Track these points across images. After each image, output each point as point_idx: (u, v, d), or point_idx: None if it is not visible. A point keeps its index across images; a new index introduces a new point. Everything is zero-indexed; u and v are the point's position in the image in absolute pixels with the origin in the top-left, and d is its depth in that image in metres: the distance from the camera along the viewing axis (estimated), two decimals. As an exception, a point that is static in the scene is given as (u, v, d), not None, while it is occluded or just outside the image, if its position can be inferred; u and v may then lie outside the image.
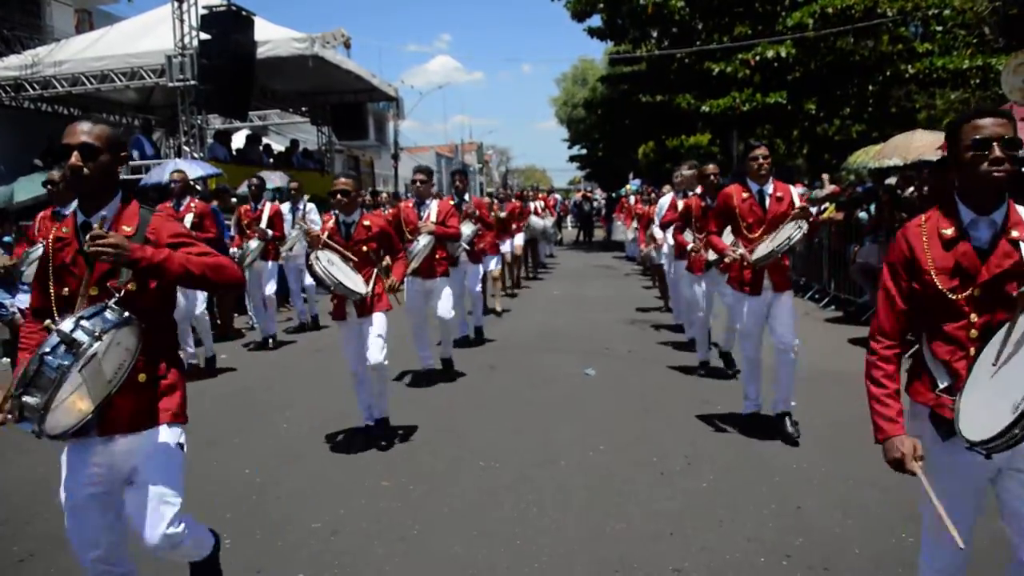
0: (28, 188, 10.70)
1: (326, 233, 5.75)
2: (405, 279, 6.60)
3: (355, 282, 5.50)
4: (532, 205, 17.01)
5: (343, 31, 14.93)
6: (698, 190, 7.77)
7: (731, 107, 20.46)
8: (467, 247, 8.81)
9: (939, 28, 19.65)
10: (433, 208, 7.43)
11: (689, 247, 7.51)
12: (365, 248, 5.68)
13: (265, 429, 6.36)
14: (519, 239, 14.47)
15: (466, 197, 9.19)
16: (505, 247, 13.08)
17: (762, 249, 5.39)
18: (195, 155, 13.70)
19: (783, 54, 19.81)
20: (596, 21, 23.82)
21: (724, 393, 6.97)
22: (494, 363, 8.55)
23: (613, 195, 32.55)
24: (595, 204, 34.72)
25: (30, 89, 14.46)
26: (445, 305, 7.70)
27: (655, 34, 23.58)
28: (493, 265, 11.55)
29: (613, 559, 3.88)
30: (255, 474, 5.25)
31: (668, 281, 10.42)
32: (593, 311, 12.18)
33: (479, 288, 9.86)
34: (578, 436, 5.88)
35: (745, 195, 5.64)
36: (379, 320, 5.66)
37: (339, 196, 5.73)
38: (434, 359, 7.94)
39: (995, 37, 18.91)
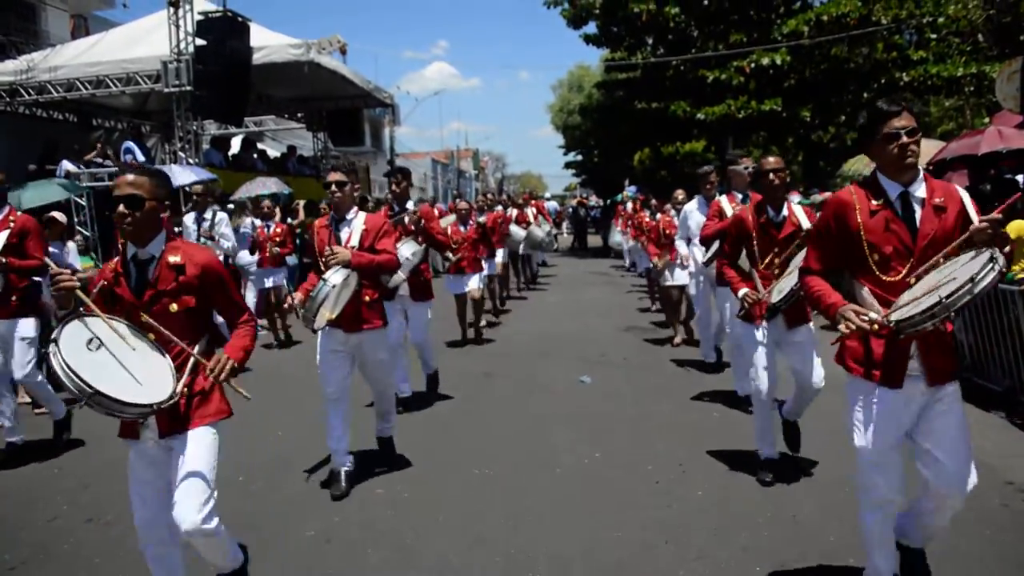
0: (39, 194, 10.66)
1: (98, 284, 3.17)
2: (321, 333, 4.97)
3: (144, 381, 2.98)
4: (527, 212, 15.89)
5: (339, 37, 14.95)
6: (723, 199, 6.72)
7: (726, 114, 20.52)
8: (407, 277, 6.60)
9: (933, 36, 19.73)
10: (357, 226, 5.03)
11: (742, 294, 4.88)
12: (175, 307, 3.14)
13: (258, 437, 6.33)
14: (500, 256, 12.45)
15: (409, 205, 6.81)
16: (489, 265, 11.34)
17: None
18: (190, 160, 13.68)
19: (778, 62, 19.88)
20: (592, 28, 23.89)
21: (719, 401, 6.97)
22: (490, 370, 8.53)
23: (608, 201, 32.54)
24: (591, 210, 34.60)
25: (26, 94, 14.46)
26: (383, 367, 5.38)
27: (650, 41, 23.65)
28: (475, 284, 9.78)
29: (608, 567, 3.86)
30: (248, 482, 5.23)
31: (697, 312, 8.73)
32: (589, 318, 12.18)
33: (427, 334, 7.21)
34: (573, 444, 5.87)
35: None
36: (201, 446, 3.27)
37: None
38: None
39: (989, 45, 18.97)
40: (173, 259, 3.15)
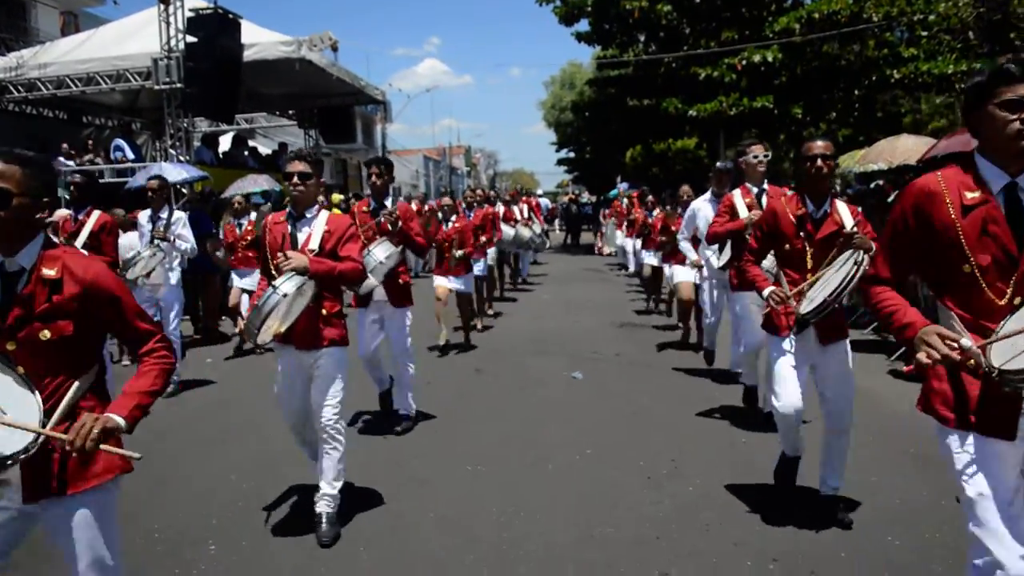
0: None
1: None
2: (279, 353, 4.51)
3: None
4: (514, 210, 14.91)
5: (330, 34, 14.91)
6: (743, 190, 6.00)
7: (718, 111, 20.58)
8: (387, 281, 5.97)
9: (924, 33, 19.81)
10: (318, 227, 4.35)
11: (768, 292, 4.16)
12: (46, 334, 2.39)
13: (252, 436, 6.32)
14: (488, 256, 11.55)
15: (388, 202, 6.10)
16: (478, 267, 10.56)
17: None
18: (181, 158, 13.64)
19: (770, 59, 19.93)
20: (584, 26, 23.91)
21: (711, 397, 7.00)
22: (481, 367, 8.53)
23: (600, 198, 32.53)
24: (583, 207, 34.45)
25: (15, 91, 14.39)
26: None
27: (642, 38, 23.68)
28: (456, 285, 9.39)
29: (600, 563, 3.87)
30: (241, 481, 5.22)
31: (706, 322, 7.84)
32: (581, 315, 12.19)
33: (409, 342, 6.22)
34: (565, 440, 5.88)
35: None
36: (83, 527, 2.50)
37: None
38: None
39: (979, 42, 19.07)
40: (48, 272, 2.39)
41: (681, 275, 8.74)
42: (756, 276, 4.32)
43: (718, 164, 7.36)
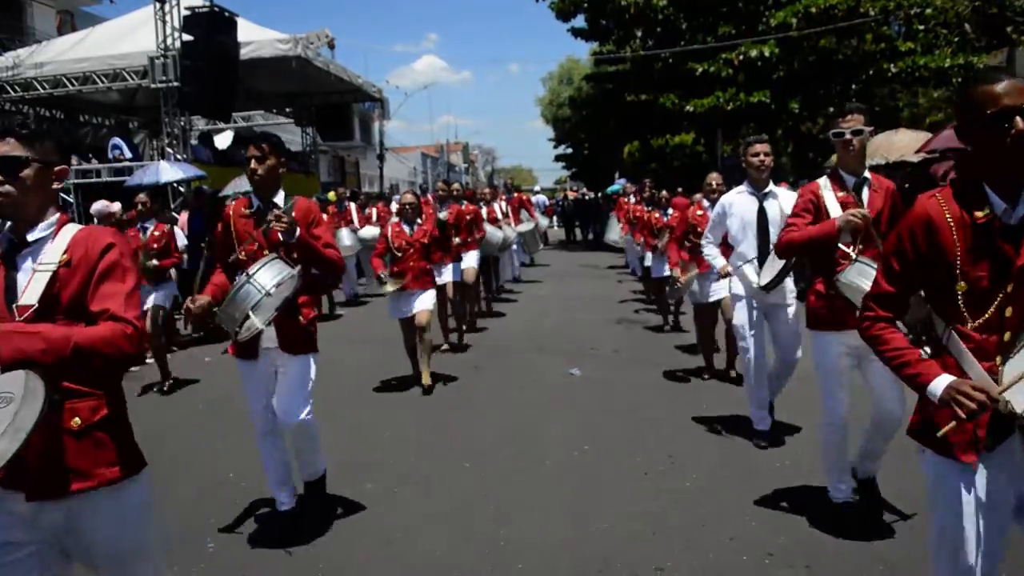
0: None
1: None
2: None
3: None
4: (495, 207, 12.59)
5: (327, 32, 14.92)
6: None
7: (715, 106, 20.54)
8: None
9: (921, 27, 19.79)
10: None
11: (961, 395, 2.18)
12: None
13: (249, 433, 6.31)
14: (470, 260, 9.82)
15: (279, 199, 4.15)
16: (445, 275, 8.62)
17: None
18: (178, 156, 13.64)
19: (767, 53, 19.89)
20: (580, 22, 23.89)
21: (708, 393, 7.02)
22: (479, 364, 8.55)
23: (599, 194, 32.40)
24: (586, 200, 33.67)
25: (12, 91, 14.38)
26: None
27: (639, 34, 23.66)
28: (425, 304, 7.32)
29: (596, 559, 3.89)
30: (239, 480, 5.23)
31: (746, 356, 5.61)
32: (579, 311, 12.20)
33: (308, 410, 4.31)
34: (563, 436, 5.90)
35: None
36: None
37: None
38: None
39: (977, 36, 19.08)
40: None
41: (718, 290, 7.03)
42: (904, 355, 2.38)
43: (752, 141, 5.56)
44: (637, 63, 23.10)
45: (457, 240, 9.19)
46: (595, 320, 11.24)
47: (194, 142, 15.20)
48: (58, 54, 14.56)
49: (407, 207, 7.52)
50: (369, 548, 4.13)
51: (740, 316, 5.56)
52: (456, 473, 5.22)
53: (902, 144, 11.87)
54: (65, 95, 14.72)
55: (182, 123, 14.07)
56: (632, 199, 14.06)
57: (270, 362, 4.16)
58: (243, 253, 4.07)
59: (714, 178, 7.09)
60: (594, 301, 13.24)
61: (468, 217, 9.80)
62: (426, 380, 7.37)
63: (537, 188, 43.63)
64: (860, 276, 3.74)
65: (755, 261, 5.36)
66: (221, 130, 19.33)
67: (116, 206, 9.20)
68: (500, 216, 12.56)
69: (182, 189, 13.01)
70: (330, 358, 5.98)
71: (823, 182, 4.24)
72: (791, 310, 5.37)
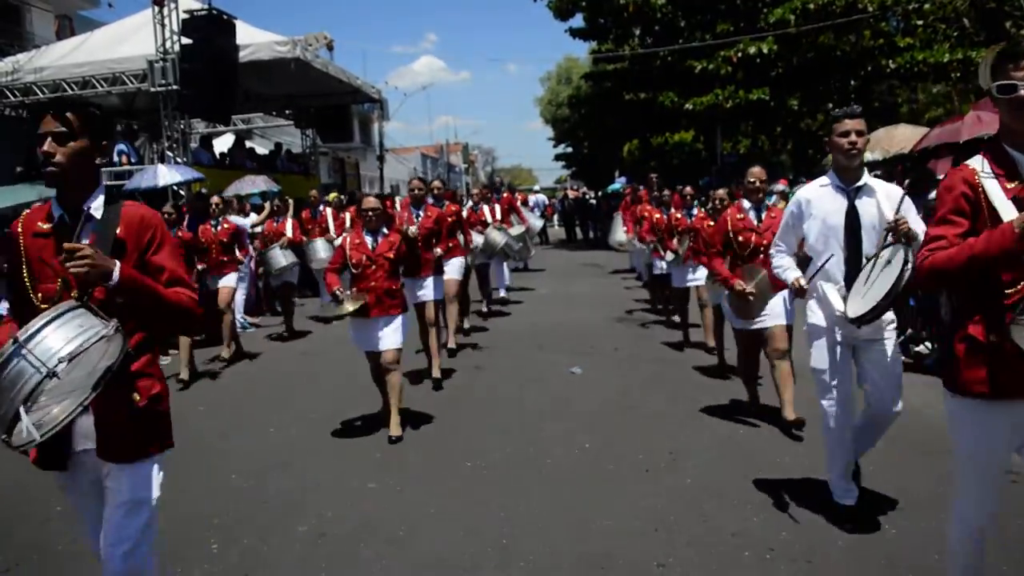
0: (7, 196, 10.67)
1: None
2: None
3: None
4: (484, 209, 11.43)
5: (325, 34, 14.95)
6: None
7: (714, 104, 20.58)
8: None
9: (919, 22, 19.81)
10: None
11: None
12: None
13: (252, 433, 6.35)
14: (452, 271, 8.60)
15: (95, 207, 2.58)
16: (426, 292, 7.64)
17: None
18: (178, 160, 13.66)
19: (765, 51, 19.92)
20: (579, 21, 23.92)
21: (708, 390, 7.03)
22: (481, 363, 8.56)
23: (599, 193, 32.35)
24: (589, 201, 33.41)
25: (11, 96, 14.39)
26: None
27: (637, 32, 23.68)
28: (386, 343, 5.95)
29: (599, 555, 3.90)
30: (242, 479, 5.25)
31: (826, 403, 4.16)
32: (580, 309, 12.20)
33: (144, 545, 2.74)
34: (564, 434, 5.90)
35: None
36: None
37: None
38: None
39: (975, 30, 19.07)
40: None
41: (775, 314, 5.61)
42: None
43: (842, 114, 4.24)
44: (636, 61, 23.12)
45: (438, 251, 7.78)
46: (596, 318, 11.24)
47: (194, 145, 15.20)
48: (57, 59, 14.56)
49: (369, 213, 6.04)
50: (373, 546, 4.14)
51: (819, 356, 4.13)
52: (458, 472, 5.23)
53: (901, 139, 11.86)
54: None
55: (182, 126, 14.08)
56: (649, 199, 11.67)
57: (88, 474, 2.65)
58: (39, 296, 2.52)
59: (756, 173, 5.80)
60: (595, 300, 13.24)
61: (451, 219, 8.45)
62: (395, 431, 5.91)
63: (537, 187, 43.55)
64: None
65: (841, 281, 3.96)
66: (221, 133, 19.35)
67: None
68: (489, 220, 11.25)
69: (182, 192, 13.02)
70: (336, 356, 5.99)
71: (979, 164, 2.67)
72: (889, 345, 4.04)
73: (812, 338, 4.18)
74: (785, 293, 5.45)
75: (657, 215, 9.77)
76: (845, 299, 3.81)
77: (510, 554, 3.98)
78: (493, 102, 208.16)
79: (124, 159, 13.97)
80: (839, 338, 4.06)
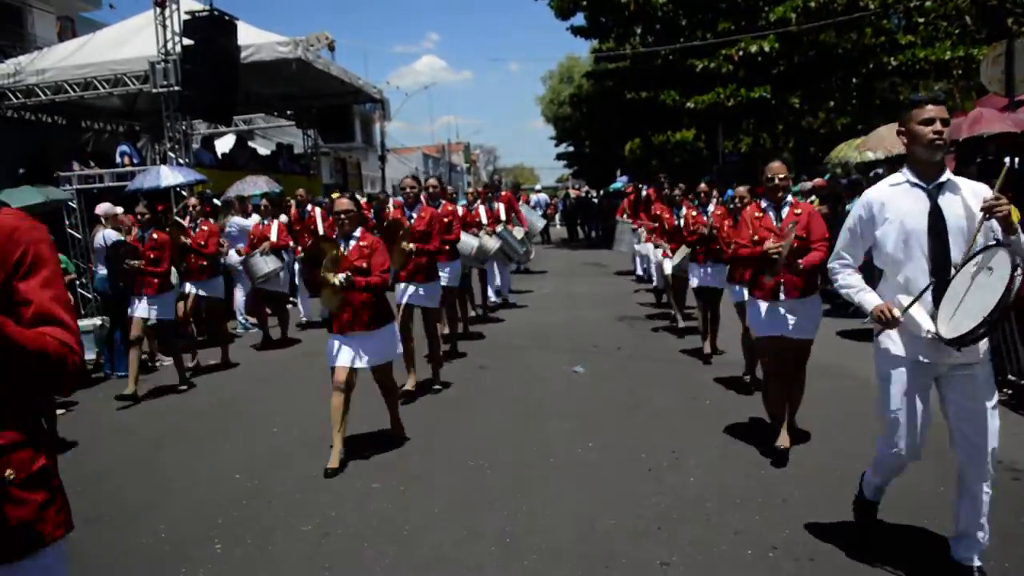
0: (13, 198, 10.69)
1: None
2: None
3: None
4: (480, 210, 10.95)
5: (327, 34, 14.94)
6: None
7: (716, 102, 20.57)
8: None
9: (921, 20, 19.80)
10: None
11: None
12: None
13: (255, 433, 6.37)
14: (447, 275, 8.02)
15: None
16: (416, 295, 7.21)
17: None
18: (180, 161, 13.66)
19: (766, 49, 19.91)
20: (580, 20, 23.91)
21: (711, 389, 7.03)
22: (484, 363, 8.56)
23: (601, 192, 32.29)
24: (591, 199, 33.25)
25: (13, 98, 14.39)
26: None
27: (639, 31, 23.68)
28: (374, 359, 5.67)
29: (602, 555, 3.91)
30: (245, 479, 5.27)
31: (891, 452, 3.56)
32: (582, 309, 12.21)
33: None
34: (567, 434, 5.91)
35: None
36: None
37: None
38: None
39: (976, 27, 19.06)
40: None
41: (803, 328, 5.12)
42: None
43: (924, 99, 3.63)
44: (637, 60, 23.11)
45: (411, 246, 7.00)
46: (598, 317, 11.25)
47: (196, 146, 15.20)
48: (59, 60, 14.56)
49: (342, 216, 5.46)
50: (377, 546, 4.15)
51: (895, 394, 3.44)
52: (462, 472, 5.24)
53: (904, 137, 11.80)
54: (67, 101, 14.74)
55: (184, 127, 14.09)
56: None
57: None
58: None
59: (775, 168, 5.16)
60: (597, 299, 13.25)
61: (445, 220, 7.70)
62: (397, 432, 5.93)
63: (538, 187, 43.54)
64: None
65: (928, 296, 3.27)
66: (223, 134, 19.35)
67: (119, 210, 9.23)
68: (484, 221, 10.78)
69: (184, 193, 13.03)
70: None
71: None
72: (982, 372, 3.35)
73: (885, 367, 3.47)
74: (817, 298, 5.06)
75: (667, 215, 9.31)
76: (934, 317, 3.21)
77: (513, 553, 3.99)
78: (495, 101, 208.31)
79: (126, 160, 13.98)
80: (919, 370, 3.39)
